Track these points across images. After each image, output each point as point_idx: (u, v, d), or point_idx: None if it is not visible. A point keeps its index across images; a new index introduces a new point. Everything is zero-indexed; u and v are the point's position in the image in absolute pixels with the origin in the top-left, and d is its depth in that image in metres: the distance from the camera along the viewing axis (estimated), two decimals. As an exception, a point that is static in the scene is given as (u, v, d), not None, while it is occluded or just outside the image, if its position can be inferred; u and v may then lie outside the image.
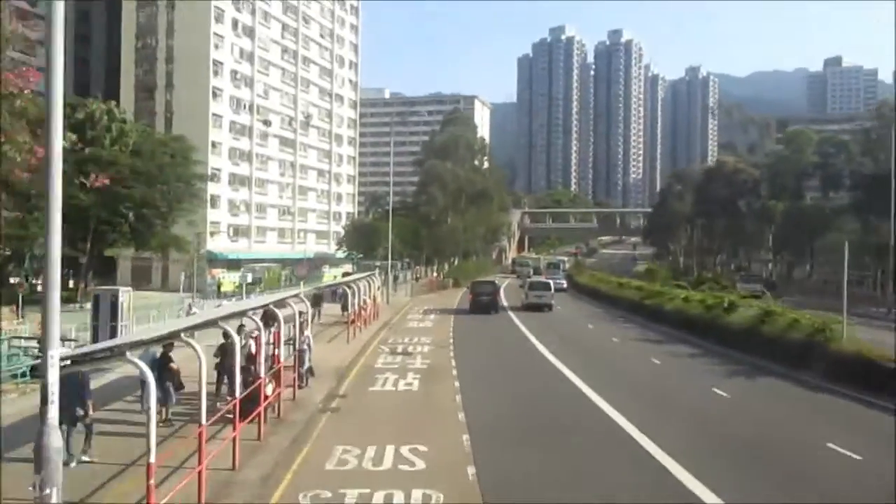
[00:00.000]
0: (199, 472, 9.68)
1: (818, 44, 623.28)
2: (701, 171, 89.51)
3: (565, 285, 68.64)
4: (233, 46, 78.28)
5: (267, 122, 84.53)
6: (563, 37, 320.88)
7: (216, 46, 75.53)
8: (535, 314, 44.30)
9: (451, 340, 30.75)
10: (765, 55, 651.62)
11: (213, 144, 75.12)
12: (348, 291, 30.41)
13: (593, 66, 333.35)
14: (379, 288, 41.20)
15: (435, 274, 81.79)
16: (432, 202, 78.81)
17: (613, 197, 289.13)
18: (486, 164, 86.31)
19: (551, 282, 52.43)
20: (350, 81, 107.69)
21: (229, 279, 70.83)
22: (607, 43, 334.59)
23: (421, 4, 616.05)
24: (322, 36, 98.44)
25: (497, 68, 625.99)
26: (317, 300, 34.76)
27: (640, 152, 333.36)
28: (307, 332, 19.51)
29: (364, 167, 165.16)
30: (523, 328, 36.18)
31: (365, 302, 33.63)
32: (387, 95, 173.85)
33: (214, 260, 74.01)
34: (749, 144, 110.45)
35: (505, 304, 50.25)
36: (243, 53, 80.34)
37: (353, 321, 30.30)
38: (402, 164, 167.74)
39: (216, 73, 75.63)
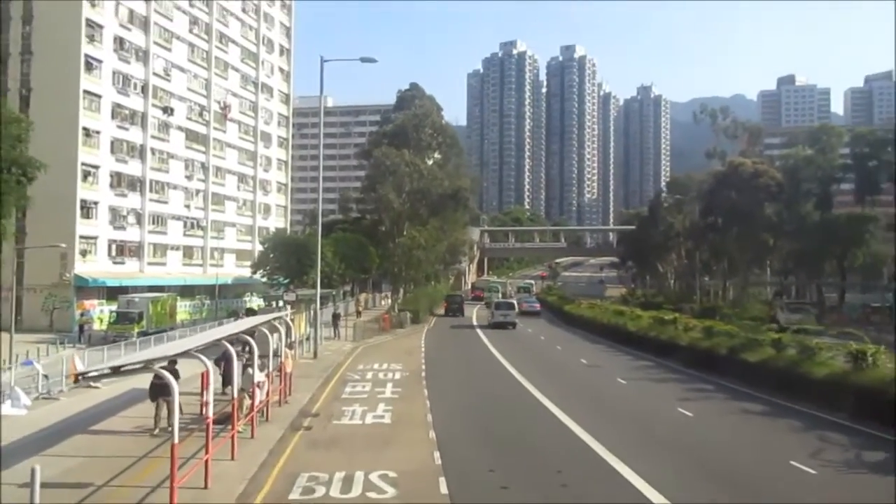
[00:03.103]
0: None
1: (757, 70, 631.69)
2: (708, 176, 73.91)
3: (538, 307, 70.95)
4: (118, 6, 59.32)
5: (168, 110, 65.23)
6: (515, 52, 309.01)
7: (92, 4, 56.58)
8: (586, 394, 27.02)
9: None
10: (703, 82, 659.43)
11: (88, 132, 55.82)
12: (232, 359, 12.15)
13: (545, 83, 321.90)
14: (290, 345, 22.18)
15: (386, 303, 63.23)
16: (383, 207, 59.72)
17: (568, 217, 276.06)
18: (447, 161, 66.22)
19: (514, 301, 58.90)
20: (281, 70, 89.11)
21: (106, 313, 52.77)
22: (560, 59, 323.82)
23: (368, 15, 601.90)
24: (245, 11, 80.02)
25: (445, 91, 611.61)
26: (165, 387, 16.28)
27: (595, 171, 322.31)
28: None
29: (304, 182, 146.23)
30: (594, 443, 18.49)
31: (254, 384, 15.46)
32: (329, 103, 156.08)
33: (86, 288, 54.56)
34: (740, 151, 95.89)
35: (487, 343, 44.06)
36: (134, 17, 61.33)
37: (224, 423, 12.19)
38: (346, 178, 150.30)
39: (92, 39, 56.41)
